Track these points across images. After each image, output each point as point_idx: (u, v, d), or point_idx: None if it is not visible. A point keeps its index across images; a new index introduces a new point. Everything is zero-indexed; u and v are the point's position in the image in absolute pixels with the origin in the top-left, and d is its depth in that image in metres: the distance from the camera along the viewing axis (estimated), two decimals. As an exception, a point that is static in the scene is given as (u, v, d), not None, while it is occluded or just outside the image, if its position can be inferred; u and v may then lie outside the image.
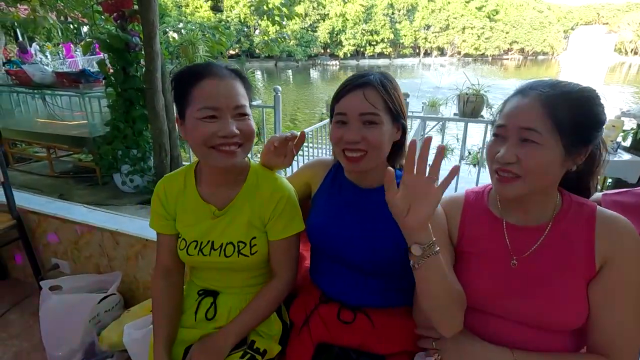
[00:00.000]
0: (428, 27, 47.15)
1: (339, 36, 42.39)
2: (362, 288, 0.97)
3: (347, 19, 40.84)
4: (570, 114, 0.71)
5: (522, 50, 50.58)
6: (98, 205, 2.93)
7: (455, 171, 0.71)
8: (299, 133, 1.03)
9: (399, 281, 0.97)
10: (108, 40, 3.50)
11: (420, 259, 0.73)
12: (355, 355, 0.91)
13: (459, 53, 48.84)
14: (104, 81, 4.21)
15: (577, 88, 0.74)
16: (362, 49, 44.19)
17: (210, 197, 0.99)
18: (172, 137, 3.67)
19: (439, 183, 0.72)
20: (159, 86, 3.41)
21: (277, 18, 5.99)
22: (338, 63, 42.01)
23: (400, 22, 44.89)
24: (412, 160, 0.72)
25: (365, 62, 43.78)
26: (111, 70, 3.76)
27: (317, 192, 1.07)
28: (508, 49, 49.96)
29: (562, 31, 54.39)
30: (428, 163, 0.73)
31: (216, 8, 5.53)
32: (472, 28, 47.39)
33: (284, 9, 5.79)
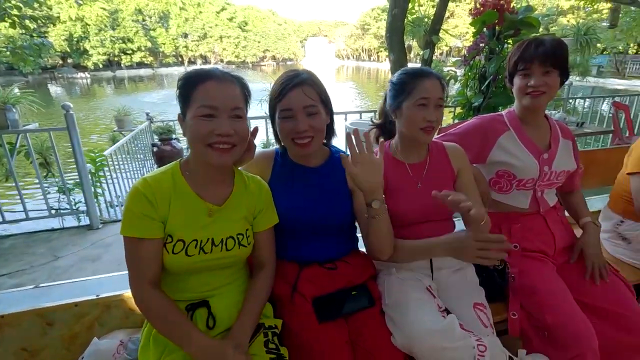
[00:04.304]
0: (186, 35, 46.73)
1: (81, 44, 35.68)
2: (331, 245, 1.20)
3: (87, 24, 34.79)
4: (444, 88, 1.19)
5: (274, 57, 58.48)
6: None
7: None
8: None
9: (346, 234, 1.26)
10: None
11: (379, 210, 1.05)
12: (347, 291, 1.13)
13: (222, 61, 51.11)
14: None
15: (440, 74, 1.21)
16: (116, 58, 39.07)
17: (206, 195, 0.99)
18: None
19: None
20: None
21: (15, 19, 4.63)
22: (89, 75, 35.52)
23: (154, 30, 42.16)
24: (357, 144, 1.01)
25: (123, 73, 38.93)
26: None
27: (269, 181, 1.17)
28: (263, 56, 56.59)
29: (299, 41, 66.58)
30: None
31: None
32: (228, 37, 50.59)
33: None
